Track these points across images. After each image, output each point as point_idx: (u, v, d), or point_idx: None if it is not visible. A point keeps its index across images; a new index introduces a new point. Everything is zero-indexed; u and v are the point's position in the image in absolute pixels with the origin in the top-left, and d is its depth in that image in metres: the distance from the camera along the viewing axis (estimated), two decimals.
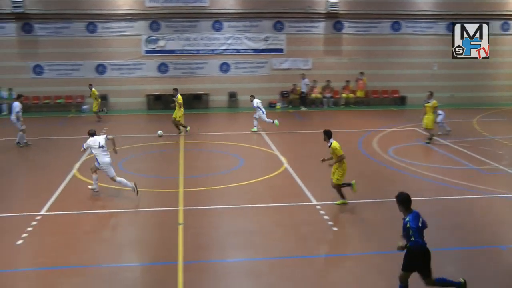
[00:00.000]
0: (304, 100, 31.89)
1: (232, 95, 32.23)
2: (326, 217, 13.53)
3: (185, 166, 18.74)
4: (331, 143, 14.11)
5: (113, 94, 31.18)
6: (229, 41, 31.77)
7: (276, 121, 24.65)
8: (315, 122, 27.75)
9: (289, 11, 31.71)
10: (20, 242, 12.28)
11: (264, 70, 32.38)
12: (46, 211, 14.32)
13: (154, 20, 31.03)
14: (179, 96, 24.05)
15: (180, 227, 13.04)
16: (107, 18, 30.75)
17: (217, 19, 31.44)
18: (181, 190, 16.05)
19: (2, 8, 29.71)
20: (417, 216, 9.05)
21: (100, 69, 31.25)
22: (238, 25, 31.81)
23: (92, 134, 15.74)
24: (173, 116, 24.10)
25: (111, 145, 15.81)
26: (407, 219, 8.99)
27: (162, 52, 31.43)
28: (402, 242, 9.09)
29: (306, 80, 31.56)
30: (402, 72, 32.89)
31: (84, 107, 30.97)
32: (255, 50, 32.17)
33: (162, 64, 31.52)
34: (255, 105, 24.79)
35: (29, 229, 13.02)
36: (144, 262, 11.66)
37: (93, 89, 27.87)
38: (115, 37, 31.08)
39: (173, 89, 24.76)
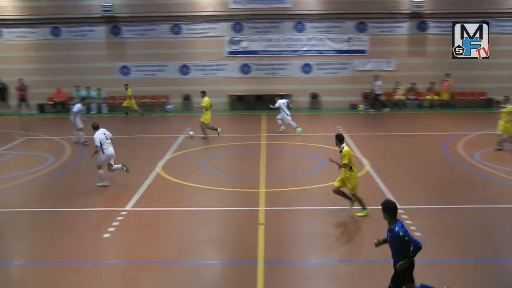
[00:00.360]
0: (378, 101, 31.27)
1: (314, 96, 32.09)
2: (408, 222, 13.21)
3: (266, 167, 18.82)
4: (343, 148, 13.51)
5: (196, 94, 31.67)
6: (311, 42, 31.67)
7: (298, 129, 24.15)
8: (398, 125, 27.21)
9: (372, 11, 31.23)
10: (106, 235, 12.74)
11: (346, 71, 32.04)
12: (132, 207, 14.75)
13: (237, 21, 31.37)
14: (205, 99, 23.81)
15: (261, 227, 13.10)
16: (191, 20, 31.36)
17: (299, 20, 31.40)
18: (262, 190, 16.12)
19: (93, 12, 30.90)
20: (402, 224, 8.56)
21: (184, 69, 31.91)
22: (320, 26, 31.64)
23: (96, 127, 16.58)
24: (201, 119, 23.66)
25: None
26: (397, 228, 8.44)
27: (244, 53, 31.72)
28: (402, 260, 8.45)
29: (379, 82, 30.92)
30: (489, 73, 31.66)
31: (169, 107, 31.71)
32: (338, 51, 31.88)
33: (244, 65, 31.82)
34: (277, 105, 24.47)
35: (115, 223, 13.46)
36: (224, 260, 11.77)
37: (128, 89, 28.57)
38: (199, 38, 31.64)
39: (201, 91, 24.61)
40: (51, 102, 32.01)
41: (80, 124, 22.68)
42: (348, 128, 24.79)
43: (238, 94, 31.88)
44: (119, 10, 31.03)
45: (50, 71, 32.01)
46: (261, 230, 12.87)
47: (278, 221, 13.67)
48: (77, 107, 22.95)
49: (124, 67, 32.00)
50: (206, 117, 23.59)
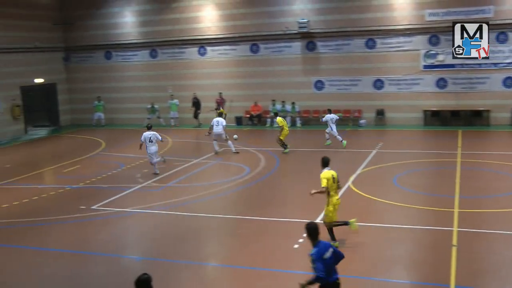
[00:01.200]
0: None
1: None
2: None
3: (461, 185, 17.92)
4: (322, 172, 12.77)
5: (390, 109, 31.32)
6: None
7: (344, 142, 24.96)
8: None
9: None
10: (296, 246, 13.04)
11: None
12: (321, 219, 14.91)
13: (434, 34, 30.35)
14: (279, 119, 24.80)
15: (454, 249, 12.51)
16: (386, 33, 31.01)
17: (502, 30, 29.45)
18: (456, 210, 15.37)
19: (290, 29, 31.96)
20: (324, 247, 8.48)
21: (378, 84, 31.63)
22: None
23: (149, 127, 21.53)
24: (279, 136, 24.46)
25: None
26: (312, 250, 8.43)
27: (441, 67, 30.58)
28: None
29: None
30: None
31: (362, 121, 31.63)
32: None
33: (440, 79, 30.66)
34: (323, 120, 25.38)
35: (305, 235, 13.68)
36: (414, 281, 11.42)
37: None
38: (394, 52, 31.18)
39: (274, 113, 26.12)
40: (248, 115, 33.62)
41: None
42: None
43: (433, 109, 30.81)
44: (314, 26, 31.73)
45: (248, 86, 33.71)
46: (454, 252, 12.29)
47: (473, 244, 12.93)
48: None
49: (318, 81, 32.59)
50: (284, 133, 24.53)
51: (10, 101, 32.97)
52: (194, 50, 34.73)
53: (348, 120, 31.92)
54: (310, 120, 32.43)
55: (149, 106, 34.66)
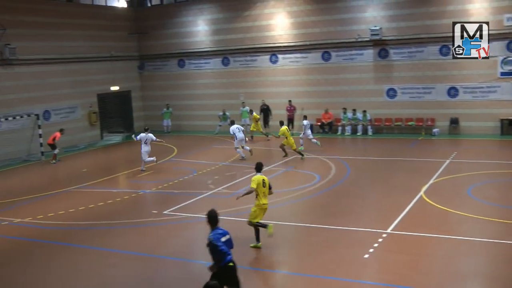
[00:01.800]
0: None
1: None
2: None
3: None
4: (254, 176, 13.78)
5: (465, 117, 30.47)
6: None
7: (318, 142, 27.09)
8: None
9: None
10: (366, 256, 12.87)
11: None
12: (392, 230, 14.69)
13: None
14: (282, 128, 25.71)
15: None
16: None
17: None
18: None
19: (362, 37, 31.66)
20: (222, 232, 9.62)
21: (452, 92, 30.82)
22: None
23: (146, 130, 24.44)
24: (284, 143, 25.52)
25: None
26: (210, 234, 9.52)
27: None
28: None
29: None
30: None
31: (435, 130, 30.89)
32: None
33: None
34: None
35: (375, 245, 13.53)
36: None
37: (254, 113, 31.62)
38: (469, 59, 30.24)
39: (279, 121, 27.99)
40: (318, 123, 33.49)
41: None
42: None
43: (510, 118, 29.73)
44: (387, 33, 31.32)
45: (319, 94, 33.61)
46: None
47: None
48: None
49: (390, 89, 32.10)
50: (289, 142, 25.23)
51: (87, 108, 34.22)
52: (265, 58, 34.95)
53: (420, 129, 31.27)
54: (382, 129, 31.99)
55: (221, 113, 35.11)
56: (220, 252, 9.32)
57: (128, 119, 38.02)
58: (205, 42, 36.66)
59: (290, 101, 33.45)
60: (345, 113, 32.46)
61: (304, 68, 34.05)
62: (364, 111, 32.16)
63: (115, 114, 37.60)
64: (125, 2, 38.31)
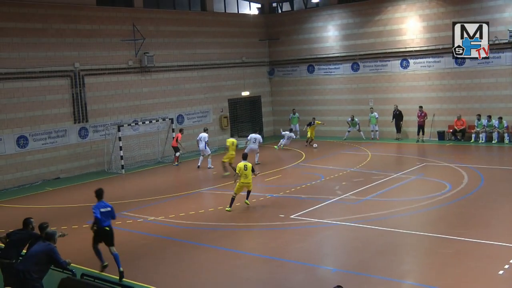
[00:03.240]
0: None
1: None
2: None
3: None
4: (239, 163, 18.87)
5: None
6: None
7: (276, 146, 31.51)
8: None
9: None
10: (501, 272, 12.23)
11: None
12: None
13: None
14: (228, 140, 25.98)
15: None
16: None
17: None
18: None
19: (500, 39, 30.09)
20: (103, 205, 13.00)
21: None
22: None
23: (204, 130, 28.10)
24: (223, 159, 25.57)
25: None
26: (92, 206, 13.15)
27: None
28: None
29: None
30: None
31: None
32: None
33: None
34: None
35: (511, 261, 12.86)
36: None
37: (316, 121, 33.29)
38: None
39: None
40: (450, 130, 32.30)
41: None
42: None
43: None
44: None
45: (452, 99, 32.40)
46: None
47: None
48: None
49: None
50: (228, 156, 25.01)
51: (219, 113, 35.42)
52: (396, 62, 34.26)
53: None
54: None
55: (350, 119, 34.89)
56: (95, 219, 12.91)
57: (257, 124, 38.81)
58: (335, 48, 36.60)
59: (421, 107, 32.52)
60: (479, 119, 31.02)
61: (436, 73, 32.97)
62: (500, 118, 30.52)
63: (245, 118, 38.54)
64: (257, 10, 39.24)
